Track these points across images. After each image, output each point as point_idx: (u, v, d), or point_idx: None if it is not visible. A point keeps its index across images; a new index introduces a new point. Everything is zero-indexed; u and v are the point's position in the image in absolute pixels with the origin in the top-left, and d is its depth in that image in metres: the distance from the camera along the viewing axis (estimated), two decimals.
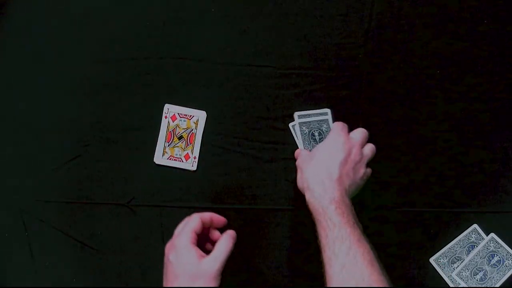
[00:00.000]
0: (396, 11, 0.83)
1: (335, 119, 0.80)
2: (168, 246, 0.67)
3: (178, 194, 0.82)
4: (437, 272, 0.78)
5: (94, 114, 0.83)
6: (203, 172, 0.82)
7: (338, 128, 0.76)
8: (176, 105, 0.82)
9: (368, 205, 0.80)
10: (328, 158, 0.72)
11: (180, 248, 0.66)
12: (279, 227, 0.81)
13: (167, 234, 0.81)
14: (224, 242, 0.67)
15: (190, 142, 0.81)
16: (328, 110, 0.81)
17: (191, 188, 0.82)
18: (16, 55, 0.85)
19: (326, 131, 0.80)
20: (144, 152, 0.82)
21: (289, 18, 0.84)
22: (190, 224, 0.68)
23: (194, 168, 0.81)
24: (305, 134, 0.80)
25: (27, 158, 0.82)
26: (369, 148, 0.75)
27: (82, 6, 0.85)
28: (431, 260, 0.78)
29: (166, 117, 0.80)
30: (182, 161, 0.81)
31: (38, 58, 0.84)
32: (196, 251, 0.66)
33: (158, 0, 0.85)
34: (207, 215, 0.71)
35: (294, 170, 0.79)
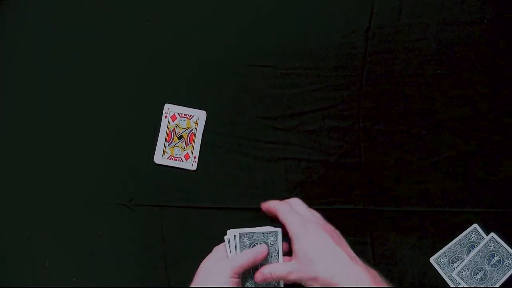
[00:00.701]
0: (396, 11, 0.83)
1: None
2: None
3: (178, 194, 0.82)
4: (437, 272, 0.78)
5: (93, 114, 0.83)
6: (203, 172, 0.82)
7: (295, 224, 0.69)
8: (176, 105, 0.82)
9: (368, 205, 0.80)
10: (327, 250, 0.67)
11: (213, 251, 0.72)
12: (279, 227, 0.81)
13: (167, 234, 0.81)
14: (251, 250, 0.70)
15: (190, 142, 0.81)
16: (278, 230, 0.73)
17: (191, 188, 0.82)
18: (16, 57, 0.85)
19: (272, 244, 0.73)
20: (144, 152, 0.82)
21: (289, 18, 0.84)
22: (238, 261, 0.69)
23: (194, 168, 0.81)
24: (245, 246, 0.72)
25: (27, 158, 0.82)
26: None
27: (82, 6, 0.85)
28: (431, 260, 0.78)
29: (166, 116, 0.80)
30: (182, 161, 0.81)
31: (38, 58, 0.84)
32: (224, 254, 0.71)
33: (158, 0, 0.85)
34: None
35: (294, 170, 0.79)
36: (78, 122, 0.83)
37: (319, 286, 0.64)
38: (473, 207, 0.80)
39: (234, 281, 0.67)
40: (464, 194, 0.80)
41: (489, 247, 0.77)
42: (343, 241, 0.69)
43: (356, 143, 0.82)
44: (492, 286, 0.76)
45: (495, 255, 0.77)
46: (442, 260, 0.78)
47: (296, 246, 0.67)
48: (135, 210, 0.81)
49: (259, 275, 0.70)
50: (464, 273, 0.77)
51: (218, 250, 0.73)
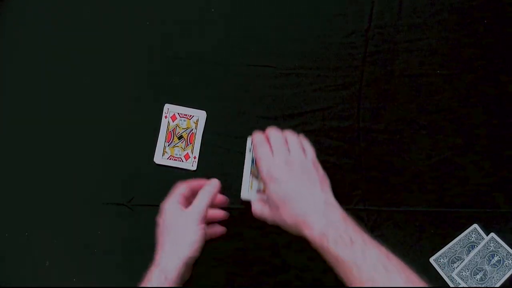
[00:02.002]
0: (396, 11, 0.83)
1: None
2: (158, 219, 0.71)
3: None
4: (437, 272, 0.78)
5: (93, 114, 0.83)
6: (203, 172, 0.82)
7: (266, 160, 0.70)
8: (176, 105, 0.82)
9: (368, 205, 0.80)
10: (297, 189, 0.67)
11: (166, 208, 0.70)
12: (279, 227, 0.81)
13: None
14: (205, 189, 0.71)
15: (190, 142, 0.81)
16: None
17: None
18: (16, 57, 0.85)
19: None
20: (144, 152, 0.82)
21: (289, 18, 0.84)
22: (177, 190, 0.72)
23: (194, 168, 0.81)
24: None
25: (27, 158, 0.82)
26: (296, 142, 0.72)
27: (82, 6, 0.85)
28: (431, 260, 0.78)
29: (166, 117, 0.80)
30: (182, 161, 0.81)
31: (38, 58, 0.84)
32: (181, 206, 0.70)
33: (158, 0, 0.85)
34: (195, 183, 0.73)
35: None
36: (78, 122, 0.83)
37: (289, 230, 0.67)
38: (473, 207, 0.80)
39: (202, 228, 0.69)
40: (464, 194, 0.80)
41: (489, 247, 0.77)
42: (319, 184, 0.68)
43: (356, 143, 0.82)
44: (492, 286, 0.76)
45: (495, 255, 0.77)
46: (442, 260, 0.78)
47: (266, 191, 0.69)
48: (135, 210, 0.81)
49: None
50: (464, 273, 0.77)
51: (171, 203, 0.71)
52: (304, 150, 0.71)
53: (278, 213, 0.68)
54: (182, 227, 0.69)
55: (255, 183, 0.75)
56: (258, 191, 0.75)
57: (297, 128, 0.82)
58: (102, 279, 0.80)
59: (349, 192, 0.81)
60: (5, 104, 0.84)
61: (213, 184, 0.72)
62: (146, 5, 0.85)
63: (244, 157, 0.76)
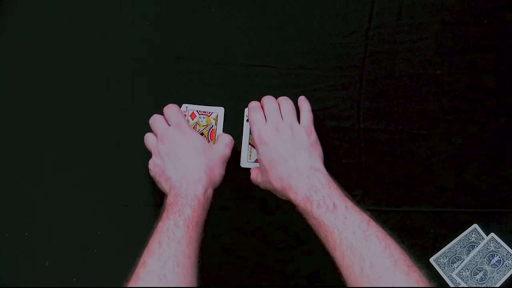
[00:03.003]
0: (396, 11, 0.83)
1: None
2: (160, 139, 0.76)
3: None
4: (437, 272, 0.78)
5: (94, 114, 0.83)
6: None
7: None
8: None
9: (368, 205, 0.80)
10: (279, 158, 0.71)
11: (189, 132, 0.75)
12: (280, 228, 0.81)
13: None
14: (225, 135, 0.77)
15: (211, 138, 0.81)
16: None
17: None
18: (16, 56, 0.85)
19: None
20: (143, 153, 0.82)
21: (289, 18, 0.84)
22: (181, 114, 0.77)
23: None
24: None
25: (27, 158, 0.82)
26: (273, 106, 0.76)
27: (82, 6, 0.85)
28: (431, 260, 0.78)
29: (185, 115, 0.80)
30: None
31: (38, 58, 0.84)
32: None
33: (158, 0, 0.85)
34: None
35: None
36: (78, 122, 0.83)
37: (277, 194, 0.71)
38: (473, 207, 0.80)
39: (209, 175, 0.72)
40: (464, 194, 0.80)
41: (489, 247, 0.77)
42: (307, 150, 0.71)
43: (356, 143, 0.82)
44: (492, 286, 0.76)
45: (495, 255, 0.77)
46: (442, 260, 0.78)
47: (258, 156, 0.74)
48: (135, 210, 0.81)
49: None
50: (464, 273, 0.77)
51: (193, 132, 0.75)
52: (299, 116, 0.76)
53: (266, 177, 0.71)
54: (192, 174, 0.70)
55: (254, 152, 0.79)
56: (257, 160, 0.79)
57: None
58: (102, 279, 0.80)
59: (349, 192, 0.80)
60: (5, 104, 0.84)
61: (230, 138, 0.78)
62: (146, 5, 0.85)
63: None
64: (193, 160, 0.72)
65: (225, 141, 0.77)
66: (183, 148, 0.73)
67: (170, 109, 0.77)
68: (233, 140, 0.78)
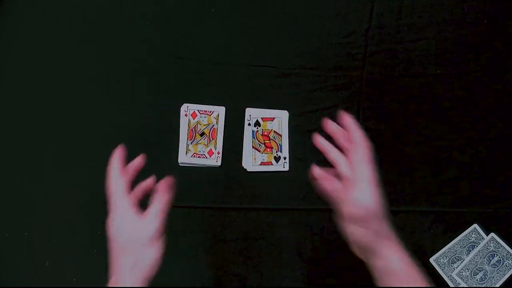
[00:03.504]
0: (396, 11, 0.83)
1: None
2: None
3: (178, 193, 0.81)
4: (437, 272, 0.78)
5: (94, 114, 0.83)
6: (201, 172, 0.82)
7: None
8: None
9: None
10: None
11: (118, 216, 0.61)
12: (279, 228, 0.81)
13: (167, 233, 0.81)
14: (158, 197, 0.62)
15: (212, 137, 0.81)
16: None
17: (191, 188, 0.81)
18: (16, 56, 0.85)
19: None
20: (145, 153, 0.82)
21: (289, 18, 0.84)
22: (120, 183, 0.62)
23: (219, 163, 0.81)
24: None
25: (27, 158, 0.82)
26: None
27: (83, 6, 0.85)
28: (431, 260, 0.78)
29: (186, 115, 0.80)
30: (206, 157, 0.81)
31: (39, 58, 0.84)
32: (135, 212, 0.61)
33: (158, 0, 0.85)
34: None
35: (294, 169, 0.79)
36: (78, 122, 0.83)
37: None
38: (473, 207, 0.80)
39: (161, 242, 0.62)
40: (464, 194, 0.80)
41: (489, 247, 0.77)
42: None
43: None
44: (492, 286, 0.76)
45: (495, 255, 0.77)
46: (442, 260, 0.78)
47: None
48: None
49: None
50: (464, 273, 0.77)
51: (124, 209, 0.62)
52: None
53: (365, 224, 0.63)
54: (140, 245, 0.61)
55: (258, 156, 0.78)
56: (262, 163, 0.78)
57: (297, 128, 0.82)
58: (102, 279, 0.80)
59: None
60: (5, 104, 0.84)
61: (165, 184, 0.64)
62: (146, 5, 0.85)
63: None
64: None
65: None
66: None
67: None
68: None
